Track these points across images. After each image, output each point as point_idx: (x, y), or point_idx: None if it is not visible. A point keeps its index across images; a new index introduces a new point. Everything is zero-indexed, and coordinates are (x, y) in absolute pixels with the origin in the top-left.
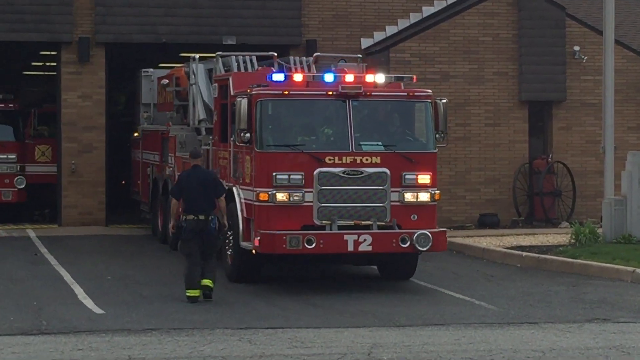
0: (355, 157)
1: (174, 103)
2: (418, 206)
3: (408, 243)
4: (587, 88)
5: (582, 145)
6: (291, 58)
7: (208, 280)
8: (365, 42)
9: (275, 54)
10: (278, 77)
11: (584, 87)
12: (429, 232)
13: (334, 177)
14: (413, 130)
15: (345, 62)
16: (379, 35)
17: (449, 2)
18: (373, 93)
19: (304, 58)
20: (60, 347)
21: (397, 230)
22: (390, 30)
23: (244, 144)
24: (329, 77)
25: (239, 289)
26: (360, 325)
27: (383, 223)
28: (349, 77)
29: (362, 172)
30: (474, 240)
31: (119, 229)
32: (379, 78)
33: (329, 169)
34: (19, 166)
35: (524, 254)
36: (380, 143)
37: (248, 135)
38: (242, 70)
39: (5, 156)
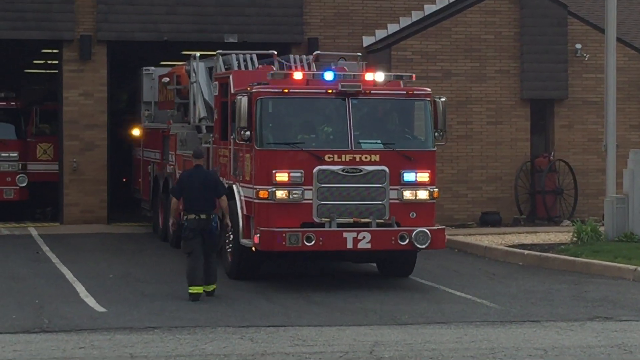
0: (355, 155)
1: (175, 101)
2: (417, 204)
3: (407, 240)
4: (589, 86)
5: (584, 144)
6: (291, 56)
7: (211, 286)
8: (367, 40)
9: (275, 52)
10: (278, 75)
11: (585, 85)
12: (428, 230)
13: (333, 175)
14: (412, 129)
15: (345, 60)
16: (380, 33)
17: (450, 0)
18: (372, 91)
19: (304, 56)
20: (62, 345)
21: (396, 228)
22: (392, 28)
23: (244, 142)
24: (328, 76)
25: (240, 286)
26: (362, 323)
27: (382, 221)
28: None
29: (361, 170)
30: (475, 238)
31: (120, 227)
32: (379, 76)
33: (328, 167)
34: (20, 164)
35: (526, 252)
36: (379, 141)
37: (248, 133)
38: (243, 68)
39: (7, 154)
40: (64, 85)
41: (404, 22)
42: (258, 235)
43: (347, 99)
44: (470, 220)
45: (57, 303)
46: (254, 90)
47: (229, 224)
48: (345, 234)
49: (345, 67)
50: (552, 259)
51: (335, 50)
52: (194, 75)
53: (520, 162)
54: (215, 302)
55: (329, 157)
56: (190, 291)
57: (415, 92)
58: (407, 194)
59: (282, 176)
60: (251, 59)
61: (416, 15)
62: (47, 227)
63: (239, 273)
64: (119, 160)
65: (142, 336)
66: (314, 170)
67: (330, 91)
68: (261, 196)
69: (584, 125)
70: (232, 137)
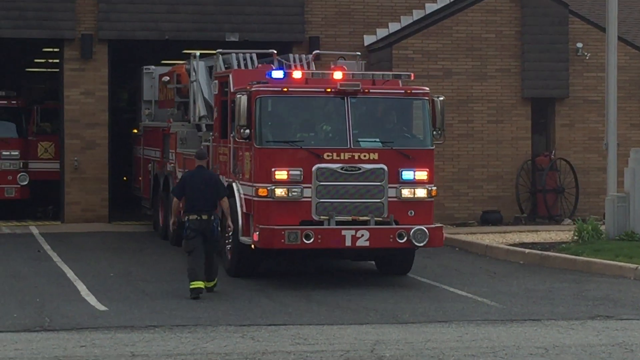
0: (353, 154)
1: (175, 100)
2: (415, 202)
3: (405, 238)
4: (590, 85)
5: (584, 142)
6: (291, 55)
7: (212, 282)
8: (368, 39)
9: (275, 52)
10: (277, 74)
11: (586, 84)
12: (426, 228)
13: (332, 173)
14: (411, 127)
15: (345, 59)
16: (381, 32)
17: None
18: (371, 90)
19: (304, 55)
20: (63, 343)
21: (395, 226)
22: (393, 27)
23: (243, 140)
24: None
25: (241, 285)
26: (363, 322)
27: (380, 219)
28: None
29: (359, 168)
30: (476, 237)
31: (121, 225)
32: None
33: (327, 165)
34: (21, 163)
35: (527, 250)
36: (378, 140)
37: (247, 131)
38: (242, 67)
39: (8, 153)
40: (65, 84)
41: (405, 21)
42: (257, 232)
43: (346, 98)
44: (471, 219)
45: (58, 302)
46: (253, 88)
47: (231, 225)
48: (343, 232)
49: (344, 66)
50: (553, 258)
51: (336, 49)
52: (194, 74)
53: (521, 160)
54: (216, 300)
55: (327, 156)
56: (191, 286)
57: (413, 91)
58: (406, 192)
59: (281, 174)
60: (251, 58)
61: (417, 14)
62: (48, 226)
63: (238, 270)
64: (120, 159)
65: (143, 335)
66: (313, 168)
67: (329, 90)
68: (260, 194)
69: (585, 124)
70: (231, 135)
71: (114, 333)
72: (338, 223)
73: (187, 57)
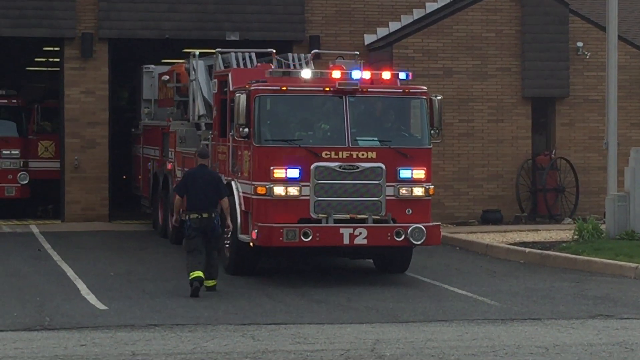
0: (352, 152)
1: (175, 99)
2: (413, 201)
3: (403, 237)
4: (590, 84)
5: (585, 142)
6: (290, 55)
7: (212, 281)
8: (369, 38)
9: (274, 51)
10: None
11: (587, 83)
12: (423, 226)
13: (330, 171)
14: (408, 126)
15: (344, 59)
16: (382, 31)
17: None
18: (369, 89)
19: (302, 55)
20: (64, 342)
21: (392, 224)
22: (394, 26)
23: (242, 139)
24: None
25: (241, 284)
26: (363, 321)
27: (378, 217)
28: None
29: (357, 167)
30: (477, 236)
31: (122, 224)
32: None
33: (325, 164)
34: (22, 162)
35: (527, 250)
36: (376, 138)
37: (246, 130)
38: (242, 66)
39: (8, 152)
40: (65, 82)
41: (406, 20)
42: (256, 230)
43: (344, 97)
44: (472, 218)
45: (59, 300)
46: (252, 87)
47: (230, 225)
48: (341, 230)
49: (343, 66)
50: (554, 257)
51: (336, 48)
52: (193, 73)
53: (521, 160)
54: (216, 299)
55: (326, 154)
56: (190, 277)
57: (411, 90)
58: (403, 191)
59: (279, 172)
60: (250, 57)
61: (417, 13)
62: (49, 225)
63: (237, 268)
64: (120, 157)
65: (144, 334)
66: (312, 166)
67: (327, 89)
68: (259, 192)
69: (585, 123)
70: (230, 134)
71: (114, 332)
72: (336, 221)
73: (187, 56)
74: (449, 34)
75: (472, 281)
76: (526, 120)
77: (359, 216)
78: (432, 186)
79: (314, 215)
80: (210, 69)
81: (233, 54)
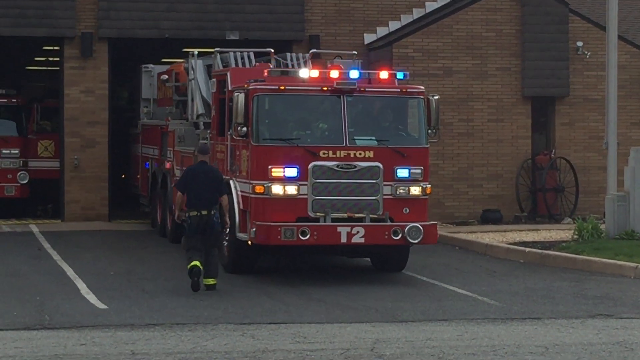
0: (349, 152)
1: (173, 98)
2: (410, 200)
3: (400, 235)
4: (590, 84)
5: (585, 141)
6: (288, 54)
7: (212, 279)
8: (368, 38)
9: (272, 50)
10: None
11: (587, 83)
12: (420, 225)
13: (328, 170)
14: (406, 126)
15: (342, 59)
16: (382, 31)
17: None
18: (367, 89)
19: (300, 54)
20: (63, 341)
21: (389, 223)
22: (393, 25)
23: (240, 138)
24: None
25: (241, 283)
26: (363, 320)
27: (376, 216)
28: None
29: (355, 166)
30: (476, 236)
31: (121, 224)
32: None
33: (323, 163)
34: (21, 161)
35: (527, 249)
36: (373, 138)
37: (245, 129)
38: (240, 66)
39: (8, 151)
40: (65, 82)
41: (405, 19)
42: (254, 229)
43: (342, 97)
44: (471, 218)
45: (58, 300)
46: (250, 87)
47: (228, 222)
48: (339, 229)
49: (340, 65)
50: (553, 257)
51: (336, 48)
52: (192, 72)
53: (521, 159)
54: (216, 298)
55: (324, 153)
56: (189, 266)
57: (408, 90)
58: (401, 190)
59: (277, 171)
60: (248, 56)
61: (417, 13)
62: (48, 224)
63: (236, 267)
64: (120, 157)
65: (143, 333)
66: (309, 166)
67: (325, 88)
68: (257, 191)
69: (585, 122)
70: (229, 133)
71: (114, 331)
72: (334, 220)
73: (186, 55)
74: (449, 33)
75: (471, 281)
76: (526, 120)
77: (357, 215)
78: (429, 185)
79: (311, 214)
80: (209, 68)
81: (232, 53)
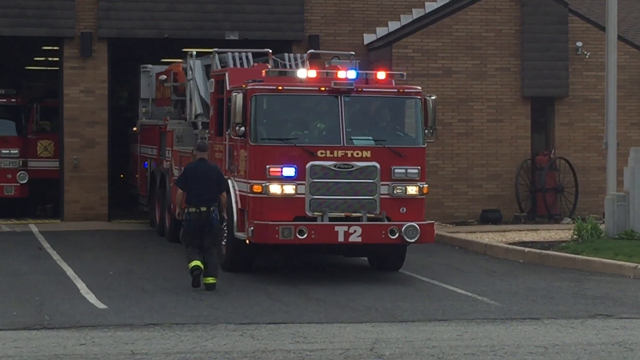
0: (347, 151)
1: (172, 98)
2: (407, 199)
3: (397, 235)
4: (590, 84)
5: (584, 141)
6: (286, 55)
7: (212, 278)
8: (368, 38)
9: (270, 51)
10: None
11: (586, 83)
12: (417, 224)
13: (325, 170)
14: (403, 126)
15: (339, 59)
16: (381, 31)
17: None
18: (364, 89)
19: (298, 55)
20: (63, 341)
21: (386, 222)
22: (393, 25)
23: (238, 138)
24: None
25: (241, 283)
26: (362, 320)
27: (373, 215)
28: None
29: (352, 166)
30: (476, 236)
31: (121, 224)
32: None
33: (320, 163)
34: (21, 161)
35: (527, 249)
36: (370, 138)
37: (243, 129)
38: (238, 66)
39: (7, 151)
40: (64, 82)
41: (405, 19)
42: (252, 228)
43: (339, 97)
44: (471, 218)
45: (58, 300)
46: (249, 87)
47: (225, 217)
48: (336, 228)
49: (338, 66)
50: (553, 257)
51: (336, 48)
52: (190, 72)
53: (520, 159)
54: (215, 298)
55: (321, 153)
56: (190, 265)
57: (406, 90)
58: (398, 190)
59: (275, 171)
60: (247, 57)
61: (417, 13)
62: (48, 224)
63: (233, 265)
64: (120, 157)
65: (143, 333)
66: (307, 165)
67: (323, 89)
68: (255, 190)
69: (584, 123)
70: (227, 133)
71: (113, 331)
72: (331, 219)
73: (185, 56)
74: (449, 33)
75: (471, 281)
76: (525, 120)
77: (354, 214)
78: (426, 185)
79: (309, 213)
80: (207, 68)
81: (230, 53)
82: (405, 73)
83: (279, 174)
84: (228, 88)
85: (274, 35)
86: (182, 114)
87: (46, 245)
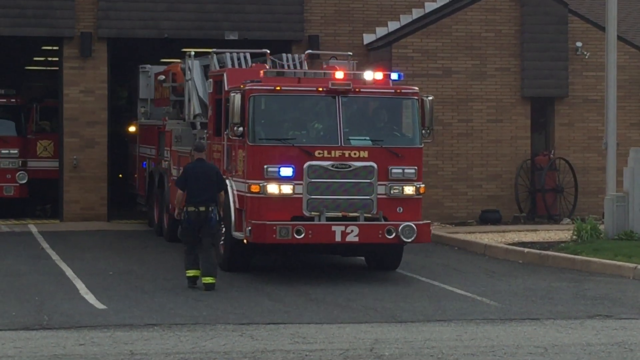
0: (344, 151)
1: (171, 98)
2: (404, 199)
3: (393, 234)
4: (590, 84)
5: (584, 142)
6: (284, 55)
7: (211, 278)
8: (368, 38)
9: (268, 51)
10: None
11: (586, 84)
12: (414, 224)
13: (323, 170)
14: (400, 126)
15: (337, 59)
16: (381, 31)
17: None
18: (362, 90)
19: (296, 55)
20: (62, 342)
21: (383, 222)
22: (393, 26)
23: (237, 138)
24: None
25: (240, 283)
26: (362, 320)
27: (370, 215)
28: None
29: (350, 166)
30: (475, 236)
31: (120, 224)
32: (368, 75)
33: (318, 163)
34: (20, 161)
35: (526, 250)
36: (368, 138)
37: (241, 129)
38: (237, 66)
39: (7, 151)
40: (64, 82)
41: (405, 19)
42: (250, 228)
43: (337, 97)
44: (470, 218)
45: (57, 300)
46: (247, 87)
47: (221, 214)
48: (334, 228)
49: (336, 66)
50: (552, 257)
51: (335, 48)
52: (189, 73)
53: (520, 160)
54: (215, 299)
55: (319, 153)
56: (187, 275)
57: (403, 90)
58: (395, 190)
59: (273, 171)
60: (245, 57)
61: (417, 13)
62: (47, 224)
63: (231, 265)
64: (119, 157)
65: (142, 333)
66: (305, 165)
67: (320, 89)
68: (253, 190)
69: (584, 123)
70: (225, 133)
71: (112, 331)
72: (328, 219)
73: (184, 56)
74: (448, 33)
75: (470, 281)
76: (525, 120)
77: (351, 214)
78: (423, 185)
79: (306, 213)
80: (205, 69)
81: (228, 54)
82: (403, 74)
83: (276, 174)
84: (226, 88)
85: (273, 35)
86: (180, 114)
87: (45, 245)
